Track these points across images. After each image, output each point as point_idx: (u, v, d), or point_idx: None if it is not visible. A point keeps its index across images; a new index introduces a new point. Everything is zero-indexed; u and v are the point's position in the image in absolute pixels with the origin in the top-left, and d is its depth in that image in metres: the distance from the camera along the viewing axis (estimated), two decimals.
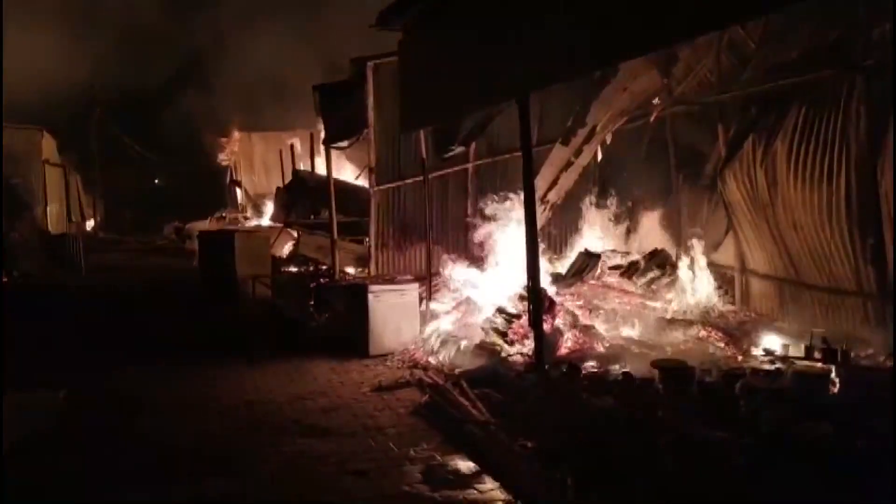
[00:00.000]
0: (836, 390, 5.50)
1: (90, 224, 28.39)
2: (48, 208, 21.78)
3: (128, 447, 5.78)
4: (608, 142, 10.34)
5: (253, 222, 22.24)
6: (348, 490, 4.81)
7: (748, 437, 4.56)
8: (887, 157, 6.50)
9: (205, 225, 22.33)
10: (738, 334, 7.67)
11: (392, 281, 9.01)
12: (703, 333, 7.75)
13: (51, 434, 6.04)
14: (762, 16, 6.70)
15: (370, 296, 8.46)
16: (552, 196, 10.08)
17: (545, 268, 8.88)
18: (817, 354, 6.27)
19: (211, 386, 7.48)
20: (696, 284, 8.95)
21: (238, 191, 27.36)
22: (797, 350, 6.63)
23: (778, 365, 6.16)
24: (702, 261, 9.12)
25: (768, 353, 6.78)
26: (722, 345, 7.46)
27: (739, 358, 7.00)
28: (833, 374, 5.69)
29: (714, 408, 5.27)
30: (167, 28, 30.69)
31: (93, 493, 4.92)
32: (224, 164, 28.92)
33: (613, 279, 9.35)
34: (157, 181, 38.20)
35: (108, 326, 10.82)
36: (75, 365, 8.36)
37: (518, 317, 7.84)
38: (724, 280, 9.13)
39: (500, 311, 8.03)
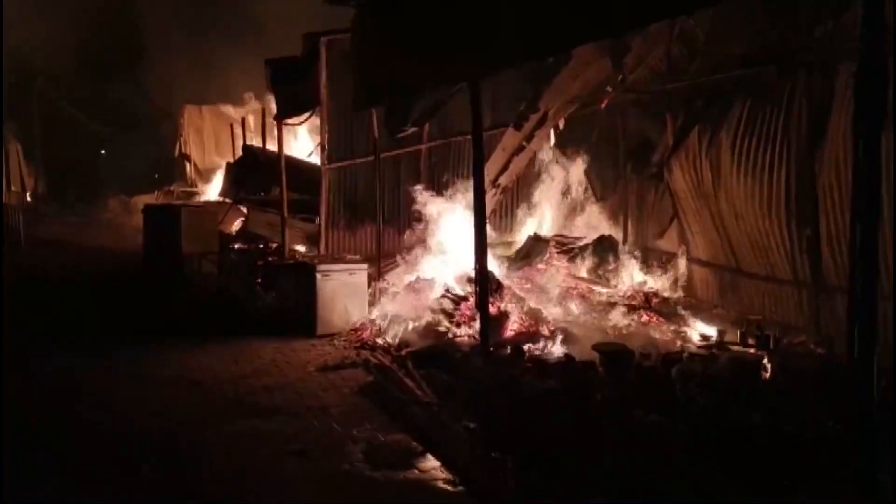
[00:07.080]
0: (767, 376, 5.70)
1: (28, 196, 27.39)
2: None
3: (64, 428, 5.66)
4: (561, 127, 10.43)
5: (202, 197, 21.78)
6: (288, 470, 4.81)
7: (682, 422, 4.70)
8: (826, 151, 6.72)
9: (151, 199, 21.79)
10: (679, 319, 7.88)
11: (341, 260, 8.97)
12: (645, 318, 7.95)
13: None
14: (709, 7, 6.82)
15: (318, 275, 8.42)
16: (503, 180, 10.14)
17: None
18: (751, 341, 6.49)
19: (153, 365, 7.36)
20: (641, 270, 9.14)
21: (187, 165, 26.72)
22: (733, 336, 6.86)
23: (714, 350, 6.34)
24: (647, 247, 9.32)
25: (705, 338, 6.99)
26: (663, 329, 7.66)
27: (679, 342, 7.19)
28: (765, 361, 5.89)
29: (651, 391, 5.41)
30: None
31: (23, 476, 4.79)
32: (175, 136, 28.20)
33: (561, 263, 9.49)
34: (102, 152, 37.02)
35: (48, 305, 10.52)
36: (15, 344, 8.12)
37: (465, 298, 7.90)
38: (667, 267, 9.33)
39: (448, 292, 8.08)
